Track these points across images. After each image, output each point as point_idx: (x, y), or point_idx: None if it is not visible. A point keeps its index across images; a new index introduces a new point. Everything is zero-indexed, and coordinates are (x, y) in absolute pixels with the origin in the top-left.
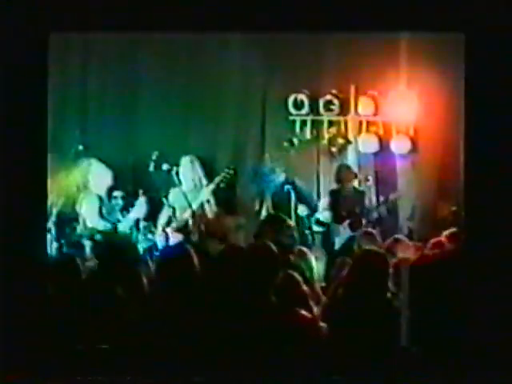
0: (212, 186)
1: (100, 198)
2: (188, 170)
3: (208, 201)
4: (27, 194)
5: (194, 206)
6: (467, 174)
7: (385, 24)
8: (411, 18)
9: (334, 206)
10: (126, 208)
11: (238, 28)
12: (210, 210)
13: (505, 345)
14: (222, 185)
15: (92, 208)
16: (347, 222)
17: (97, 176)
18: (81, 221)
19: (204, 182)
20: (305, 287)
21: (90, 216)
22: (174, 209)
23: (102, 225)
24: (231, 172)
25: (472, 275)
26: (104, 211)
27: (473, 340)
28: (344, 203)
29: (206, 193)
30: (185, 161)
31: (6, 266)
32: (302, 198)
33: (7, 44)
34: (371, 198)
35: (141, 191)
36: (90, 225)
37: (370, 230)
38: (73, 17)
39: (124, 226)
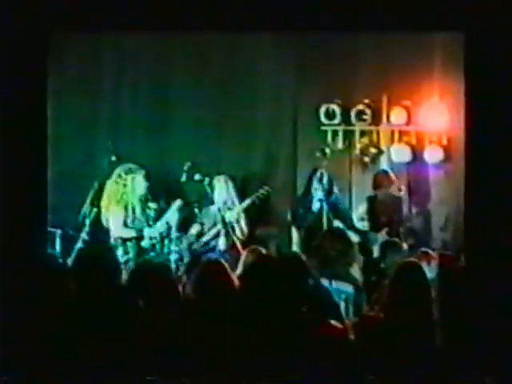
0: (246, 204)
1: (125, 208)
2: (222, 190)
3: (241, 216)
4: (28, 198)
5: (226, 220)
6: (467, 172)
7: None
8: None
9: (371, 213)
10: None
11: (269, 36)
12: (242, 222)
13: None
14: (257, 201)
15: (117, 218)
16: (385, 230)
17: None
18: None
19: (236, 200)
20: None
21: (115, 225)
22: (203, 224)
23: (126, 233)
24: (268, 189)
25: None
26: (129, 221)
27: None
28: (382, 210)
29: (239, 210)
30: (218, 180)
31: (7, 269)
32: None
33: (8, 44)
34: (404, 208)
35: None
36: (114, 234)
37: (394, 239)
38: (74, 17)
39: (151, 233)
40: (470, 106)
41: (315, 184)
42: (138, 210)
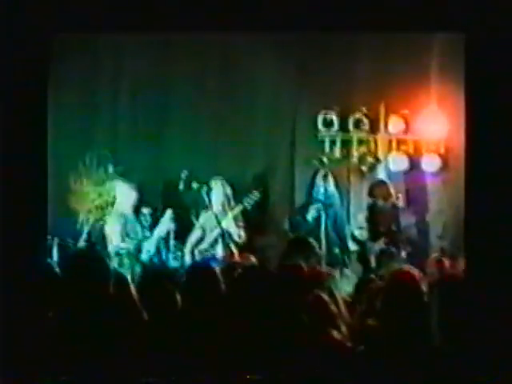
0: (239, 209)
1: (125, 217)
2: (219, 193)
3: (236, 221)
4: (27, 204)
5: (223, 227)
6: (467, 174)
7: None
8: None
9: (370, 222)
10: (155, 226)
11: (269, 44)
12: (239, 231)
13: None
14: (249, 207)
15: (116, 227)
16: (383, 240)
17: (122, 195)
18: (108, 240)
19: (232, 203)
20: (333, 307)
21: (113, 235)
22: (203, 230)
23: (125, 244)
24: (258, 194)
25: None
26: (128, 230)
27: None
28: (380, 219)
29: (234, 215)
30: (215, 184)
31: (7, 276)
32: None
33: (9, 45)
34: (402, 217)
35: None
36: (114, 244)
37: (390, 247)
38: (75, 18)
39: (149, 245)
40: (469, 111)
41: (319, 182)
42: (130, 218)
